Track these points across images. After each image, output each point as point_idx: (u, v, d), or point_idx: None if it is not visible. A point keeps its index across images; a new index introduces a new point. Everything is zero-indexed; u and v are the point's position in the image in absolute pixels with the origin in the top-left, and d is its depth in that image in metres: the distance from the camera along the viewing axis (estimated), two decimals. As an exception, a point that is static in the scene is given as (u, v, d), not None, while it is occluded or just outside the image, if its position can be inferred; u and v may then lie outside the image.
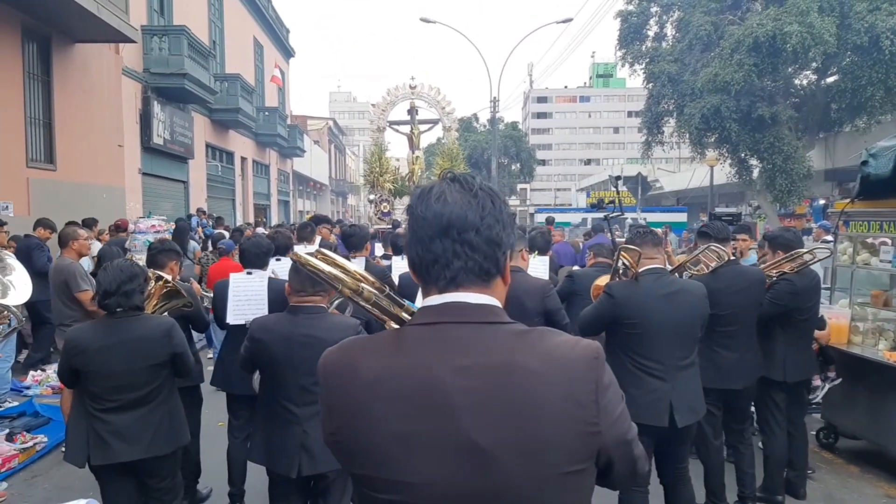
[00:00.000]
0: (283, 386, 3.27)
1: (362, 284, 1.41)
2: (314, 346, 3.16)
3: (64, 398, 6.23)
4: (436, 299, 1.27)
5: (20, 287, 3.87)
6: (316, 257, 1.50)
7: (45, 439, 6.00)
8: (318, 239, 7.53)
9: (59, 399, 6.48)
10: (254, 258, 4.60)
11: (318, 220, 8.81)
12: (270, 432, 3.34)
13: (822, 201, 25.56)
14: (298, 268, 3.31)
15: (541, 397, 1.17)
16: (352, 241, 5.69)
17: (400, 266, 6.09)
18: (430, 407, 1.18)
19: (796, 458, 4.92)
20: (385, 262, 6.32)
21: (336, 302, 3.60)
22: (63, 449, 5.80)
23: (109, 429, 3.27)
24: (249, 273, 4.55)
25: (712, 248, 4.47)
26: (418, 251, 1.27)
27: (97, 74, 13.60)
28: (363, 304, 1.46)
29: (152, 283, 3.77)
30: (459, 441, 1.16)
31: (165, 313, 3.80)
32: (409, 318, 1.38)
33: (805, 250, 4.77)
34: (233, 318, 4.40)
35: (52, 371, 7.44)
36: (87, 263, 7.49)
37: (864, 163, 5.67)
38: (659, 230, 5.91)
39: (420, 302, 1.33)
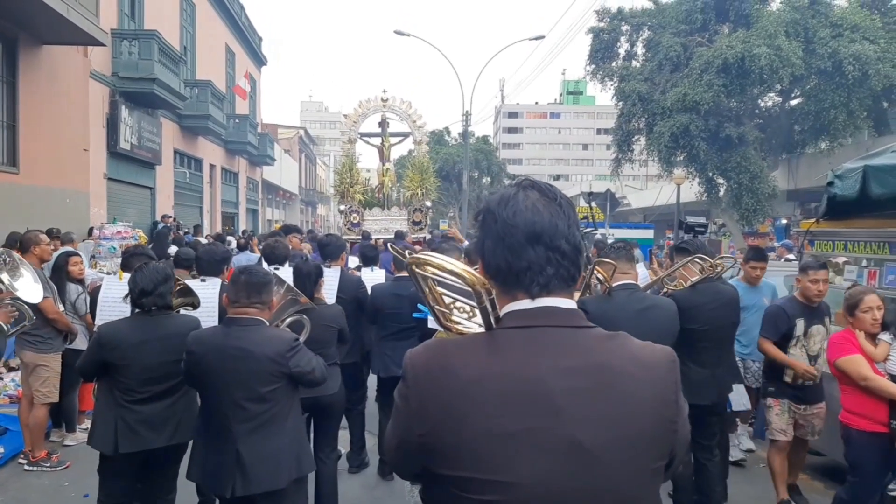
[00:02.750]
0: (215, 401, 3.19)
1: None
2: (245, 360, 3.11)
3: (22, 408, 6.07)
4: (527, 303, 1.29)
5: (30, 290, 4.26)
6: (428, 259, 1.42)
7: (2, 450, 5.81)
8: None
9: (16, 409, 6.29)
10: (206, 266, 4.69)
11: (288, 229, 8.70)
12: (206, 450, 3.26)
13: (784, 221, 26.11)
14: (235, 279, 3.28)
15: (635, 396, 1.23)
16: (328, 250, 5.65)
17: (370, 277, 6.03)
18: (533, 407, 1.20)
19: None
20: (358, 274, 6.25)
21: (288, 320, 3.54)
22: (21, 460, 5.67)
23: (139, 418, 3.53)
24: (203, 280, 4.57)
25: (696, 259, 4.49)
26: (507, 258, 1.29)
27: (64, 77, 13.32)
28: (463, 326, 1.43)
29: None
30: (563, 440, 1.19)
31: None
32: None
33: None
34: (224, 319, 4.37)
35: (9, 380, 7.21)
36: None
37: (831, 184, 5.77)
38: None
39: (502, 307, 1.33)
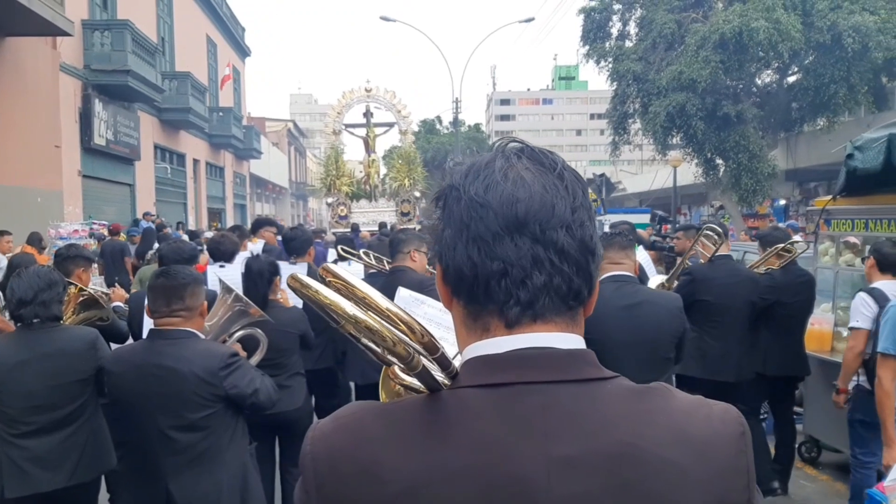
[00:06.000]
0: (139, 431, 2.70)
1: (402, 336, 0.77)
2: (168, 380, 2.59)
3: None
4: (502, 343, 0.79)
5: None
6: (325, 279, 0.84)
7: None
8: (260, 242, 6.92)
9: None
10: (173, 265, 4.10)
11: (261, 222, 8.16)
12: (132, 489, 2.81)
13: (782, 201, 25.65)
14: (152, 284, 2.67)
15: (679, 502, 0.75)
16: (293, 245, 5.14)
17: (349, 272, 5.52)
18: None
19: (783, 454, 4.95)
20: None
21: (238, 334, 2.99)
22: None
23: (27, 455, 2.89)
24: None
25: (707, 231, 4.60)
26: (472, 256, 0.79)
27: (32, 70, 12.76)
28: (406, 377, 0.85)
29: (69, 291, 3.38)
30: None
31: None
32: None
33: (781, 245, 4.98)
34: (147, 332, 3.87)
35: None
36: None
37: (850, 156, 5.29)
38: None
39: (463, 344, 0.83)
